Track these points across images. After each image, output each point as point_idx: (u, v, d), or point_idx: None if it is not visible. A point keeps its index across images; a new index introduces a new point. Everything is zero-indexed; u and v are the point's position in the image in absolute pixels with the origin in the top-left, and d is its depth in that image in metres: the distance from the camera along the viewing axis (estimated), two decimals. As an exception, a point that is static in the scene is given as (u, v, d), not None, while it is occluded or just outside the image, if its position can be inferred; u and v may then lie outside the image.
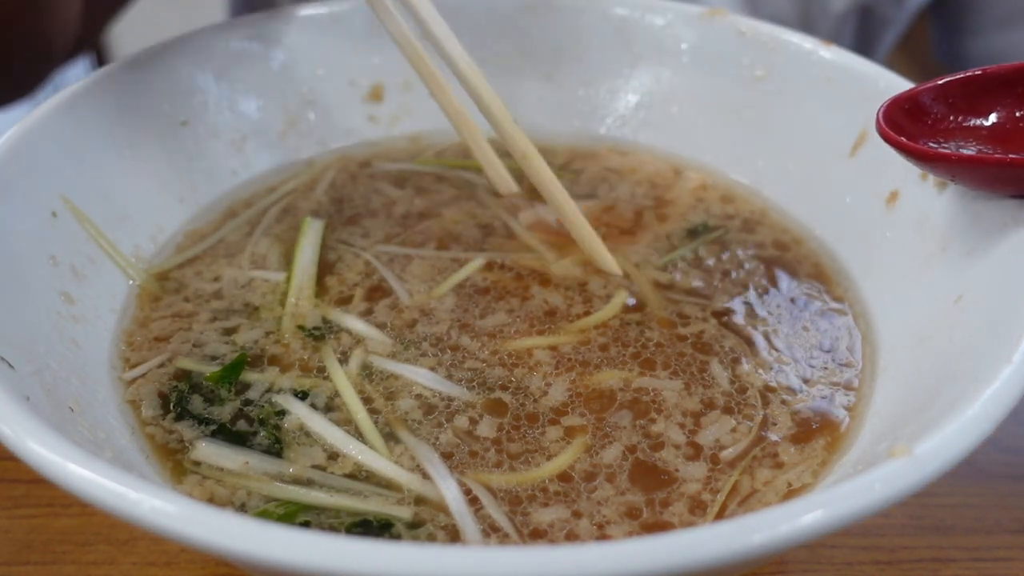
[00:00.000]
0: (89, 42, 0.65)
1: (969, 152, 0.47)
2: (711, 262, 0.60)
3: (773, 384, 0.50)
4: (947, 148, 0.47)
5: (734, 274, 0.59)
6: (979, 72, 0.48)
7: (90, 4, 0.77)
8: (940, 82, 0.49)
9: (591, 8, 0.71)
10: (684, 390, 0.49)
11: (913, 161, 0.47)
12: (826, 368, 0.51)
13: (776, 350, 0.53)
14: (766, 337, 0.54)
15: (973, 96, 0.48)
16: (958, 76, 0.49)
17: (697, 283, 0.58)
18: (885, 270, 0.55)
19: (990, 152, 0.47)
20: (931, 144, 0.48)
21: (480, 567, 0.28)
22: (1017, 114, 0.47)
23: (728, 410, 0.48)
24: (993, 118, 0.48)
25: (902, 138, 0.47)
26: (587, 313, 0.55)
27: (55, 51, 0.54)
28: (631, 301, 0.55)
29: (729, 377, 0.50)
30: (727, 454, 0.46)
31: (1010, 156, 0.44)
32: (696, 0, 0.74)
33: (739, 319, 0.55)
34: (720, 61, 0.68)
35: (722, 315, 0.55)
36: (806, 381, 0.51)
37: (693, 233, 0.62)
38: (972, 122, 0.48)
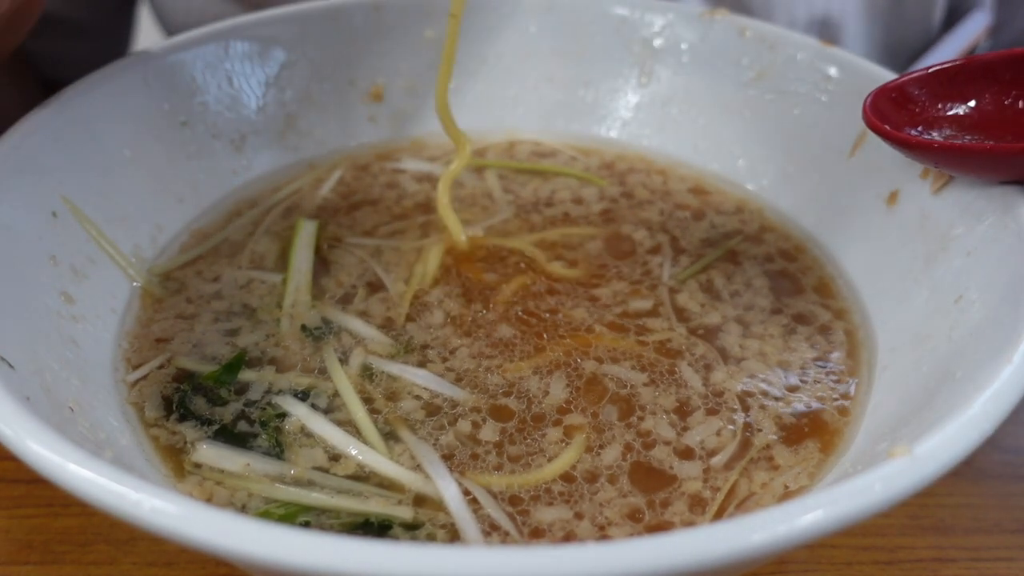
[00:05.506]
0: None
1: (953, 140, 0.47)
2: (716, 276, 0.60)
3: (765, 386, 0.50)
4: (932, 136, 0.47)
5: (733, 281, 0.59)
6: (966, 61, 0.49)
7: None
8: (928, 71, 0.49)
9: (591, 8, 0.71)
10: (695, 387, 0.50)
11: (897, 148, 0.47)
12: (823, 368, 0.51)
13: (773, 350, 0.53)
14: (765, 337, 0.54)
15: (960, 84, 0.49)
16: (945, 65, 0.49)
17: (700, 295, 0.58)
18: (885, 270, 0.55)
19: (976, 139, 0.47)
20: (914, 132, 0.48)
21: (480, 567, 0.28)
22: (1005, 102, 0.48)
23: (711, 412, 0.49)
24: (980, 106, 0.48)
25: (886, 126, 0.47)
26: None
27: None
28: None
29: (721, 378, 0.50)
30: (717, 460, 0.46)
31: (991, 143, 0.44)
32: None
33: (738, 318, 0.55)
34: (720, 61, 0.68)
35: (726, 319, 0.55)
36: (803, 381, 0.51)
37: (706, 242, 0.62)
38: (959, 110, 0.49)
